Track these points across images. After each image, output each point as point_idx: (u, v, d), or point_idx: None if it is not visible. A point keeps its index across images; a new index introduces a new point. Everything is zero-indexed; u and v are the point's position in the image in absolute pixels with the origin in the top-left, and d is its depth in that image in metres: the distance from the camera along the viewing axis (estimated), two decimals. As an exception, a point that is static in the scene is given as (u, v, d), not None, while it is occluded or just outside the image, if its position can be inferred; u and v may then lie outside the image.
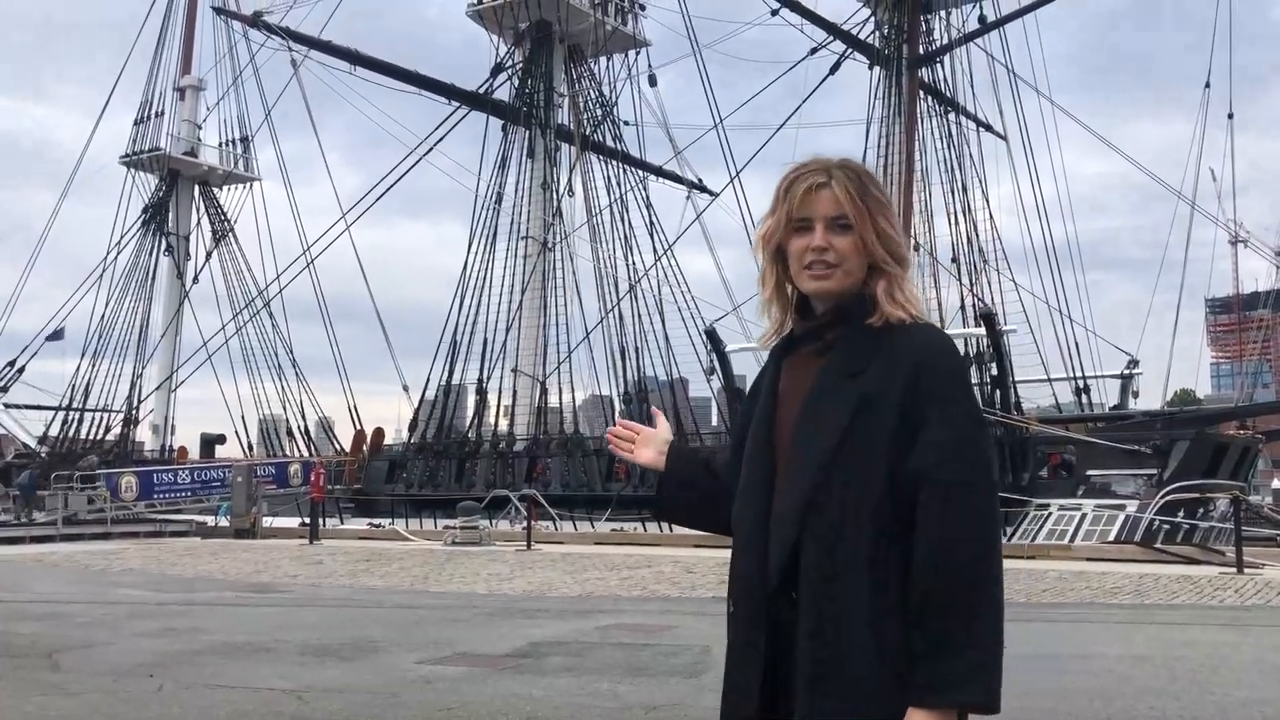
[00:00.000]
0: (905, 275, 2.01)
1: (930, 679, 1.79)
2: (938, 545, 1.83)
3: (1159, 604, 11.51)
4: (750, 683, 1.94)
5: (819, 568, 1.87)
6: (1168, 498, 21.98)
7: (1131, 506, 22.31)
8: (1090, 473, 25.28)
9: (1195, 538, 21.33)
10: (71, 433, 45.85)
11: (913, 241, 34.55)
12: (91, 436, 45.77)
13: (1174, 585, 12.90)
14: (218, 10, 45.23)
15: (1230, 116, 33.18)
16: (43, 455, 43.48)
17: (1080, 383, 33.87)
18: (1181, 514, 22.17)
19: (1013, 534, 22.32)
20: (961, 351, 31.19)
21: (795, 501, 1.91)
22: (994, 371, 28.12)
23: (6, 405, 45.16)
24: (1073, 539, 20.98)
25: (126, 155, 48.50)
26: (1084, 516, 22.10)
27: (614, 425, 2.44)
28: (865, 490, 1.88)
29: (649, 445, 2.33)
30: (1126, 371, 32.96)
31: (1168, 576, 13.77)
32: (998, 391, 27.87)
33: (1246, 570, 14.06)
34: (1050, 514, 22.49)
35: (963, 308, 33.26)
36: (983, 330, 28.84)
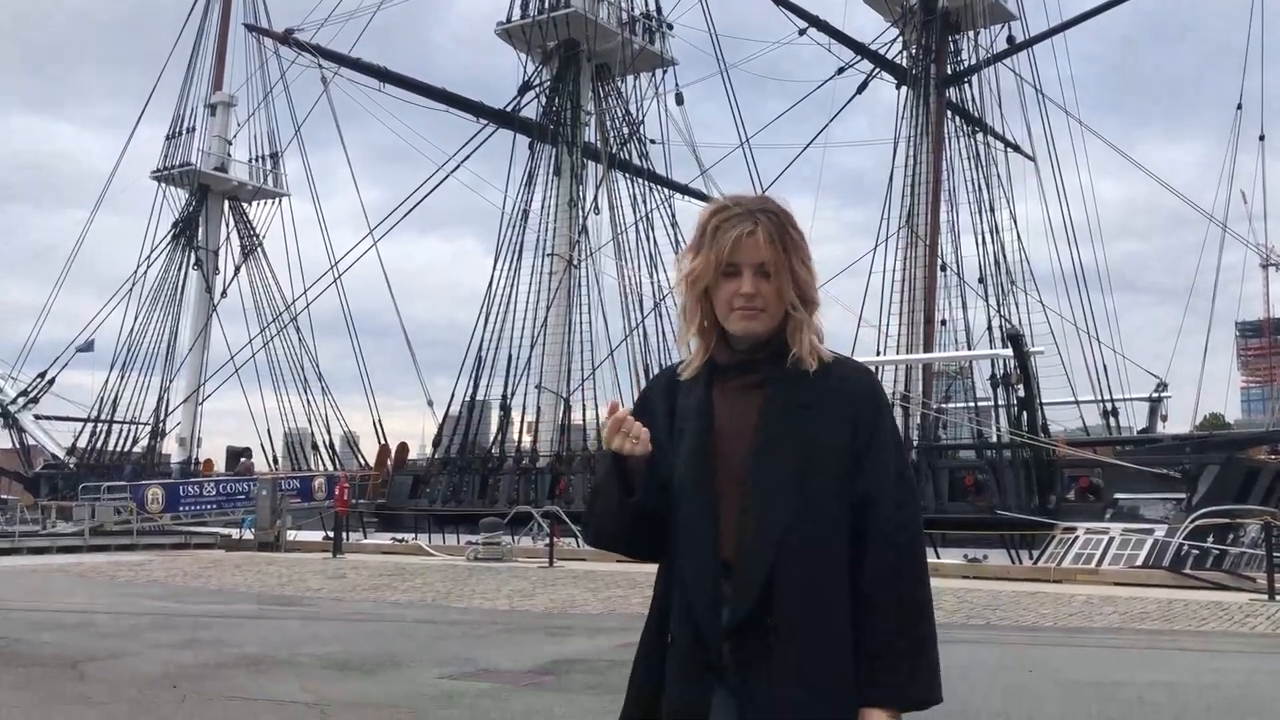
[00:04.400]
0: (810, 318, 2.11)
1: (895, 681, 1.98)
2: (899, 560, 2.02)
3: (1188, 630, 11.34)
4: (705, 708, 2.00)
5: (801, 594, 1.97)
6: (1197, 523, 21.69)
7: (1160, 531, 22.02)
8: (1118, 496, 25.00)
9: (1225, 563, 21.02)
10: (99, 444, 46.30)
11: (940, 261, 34.41)
12: (119, 448, 46.21)
13: (1203, 611, 12.71)
14: (250, 28, 45.80)
15: (1262, 138, 33.04)
16: (70, 466, 43.91)
17: (1108, 405, 33.58)
18: (1211, 539, 21.87)
19: (1039, 557, 22.08)
20: (989, 373, 31.27)
21: (769, 531, 1.99)
22: (1021, 393, 27.88)
23: (36, 416, 45.67)
24: (1100, 563, 20.69)
25: (158, 170, 49.14)
26: (1111, 540, 21.81)
27: (615, 407, 2.07)
28: (837, 518, 2.02)
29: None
30: (1155, 395, 32.64)
31: (1197, 603, 13.57)
32: (1025, 413, 27.62)
33: (1278, 597, 13.84)
34: (1077, 537, 22.21)
35: (990, 328, 33.05)
36: (1010, 351, 28.61)
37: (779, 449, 2.02)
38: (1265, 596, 13.97)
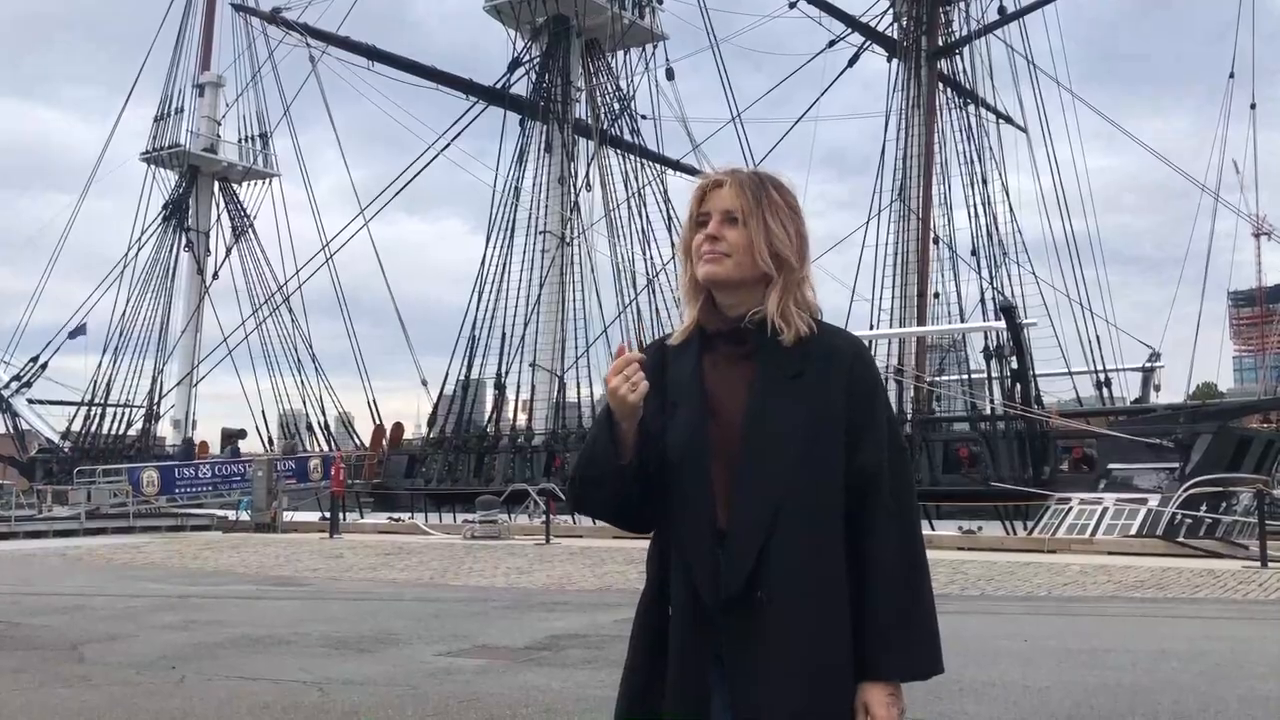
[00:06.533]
0: (792, 281, 2.07)
1: (897, 655, 1.97)
2: (899, 534, 2.01)
3: (1181, 598, 11.42)
4: (702, 685, 1.99)
5: (794, 567, 1.95)
6: (1190, 491, 21.78)
7: (1153, 500, 22.12)
8: (1112, 466, 25.10)
9: (1218, 532, 21.14)
10: (94, 428, 46.23)
11: (932, 235, 34.39)
12: (114, 432, 46.14)
13: (1197, 579, 12.80)
14: (237, 7, 45.45)
15: (1253, 106, 32.99)
16: (65, 450, 43.88)
17: (1101, 376, 33.66)
18: (1204, 508, 21.98)
19: (1034, 528, 22.18)
20: (982, 345, 31.36)
21: (763, 508, 1.97)
22: (1014, 365, 27.97)
23: (30, 401, 45.56)
24: (1094, 533, 20.79)
25: (147, 152, 48.78)
26: (1105, 510, 21.91)
27: (624, 350, 2.08)
28: (832, 490, 1.99)
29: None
30: (1148, 365, 32.74)
31: (1190, 570, 13.66)
32: (1018, 385, 27.70)
33: (1271, 565, 13.94)
34: (1071, 508, 22.31)
35: (982, 301, 33.07)
36: (1003, 323, 28.64)
37: (770, 421, 1.99)
38: (1258, 564, 14.07)
